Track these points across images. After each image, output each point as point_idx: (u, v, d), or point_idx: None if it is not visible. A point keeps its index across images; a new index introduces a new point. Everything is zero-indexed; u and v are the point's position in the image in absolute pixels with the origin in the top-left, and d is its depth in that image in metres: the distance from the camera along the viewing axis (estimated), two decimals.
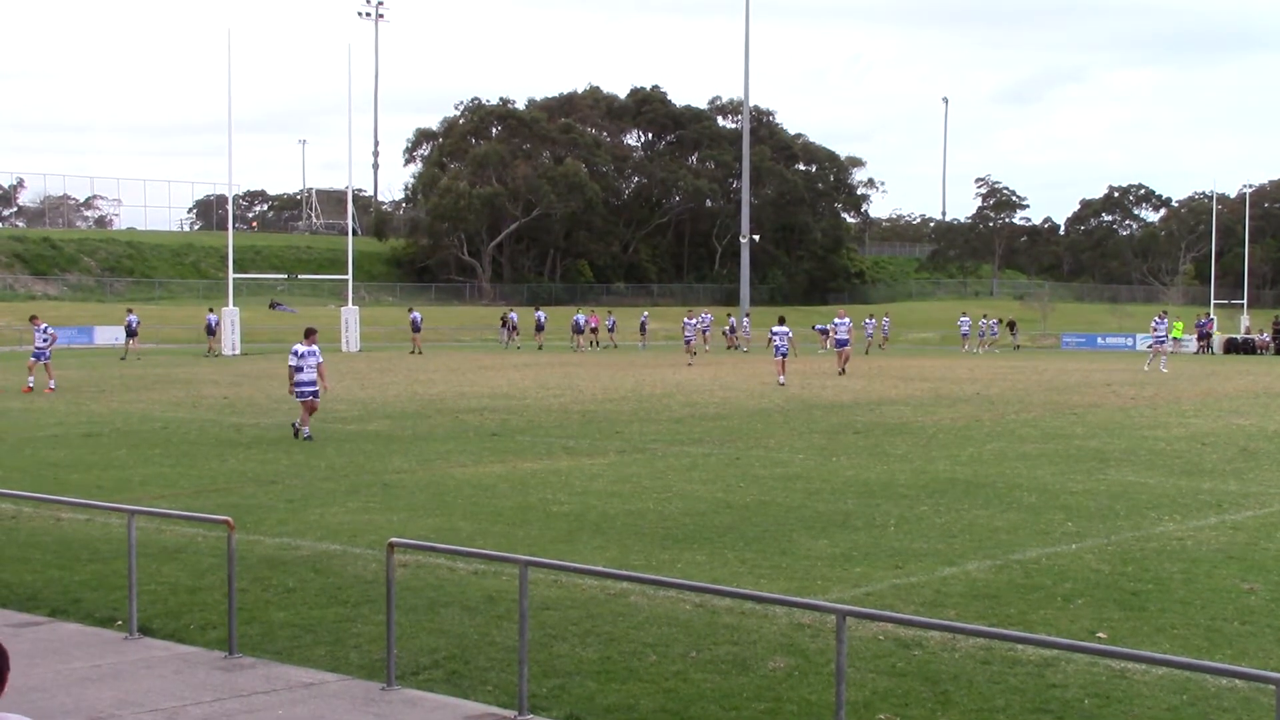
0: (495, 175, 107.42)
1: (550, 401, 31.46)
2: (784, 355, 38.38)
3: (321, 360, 23.52)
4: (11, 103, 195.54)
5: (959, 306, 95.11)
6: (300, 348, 23.30)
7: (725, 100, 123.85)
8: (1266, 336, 70.30)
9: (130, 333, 55.22)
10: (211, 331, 59.54)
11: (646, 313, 78.35)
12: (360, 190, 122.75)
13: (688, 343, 55.90)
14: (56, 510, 15.34)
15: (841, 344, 42.79)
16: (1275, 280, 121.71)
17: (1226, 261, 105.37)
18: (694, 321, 59.25)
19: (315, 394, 23.35)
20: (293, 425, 23.64)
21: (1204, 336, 70.08)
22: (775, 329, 39.70)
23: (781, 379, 37.43)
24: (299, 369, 23.15)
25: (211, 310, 61.89)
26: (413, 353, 60.01)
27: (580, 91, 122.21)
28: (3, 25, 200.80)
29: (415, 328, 63.26)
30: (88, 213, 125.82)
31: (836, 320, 43.53)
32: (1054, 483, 17.99)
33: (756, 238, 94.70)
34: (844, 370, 41.86)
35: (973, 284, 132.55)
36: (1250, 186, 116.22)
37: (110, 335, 65.20)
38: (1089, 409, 30.23)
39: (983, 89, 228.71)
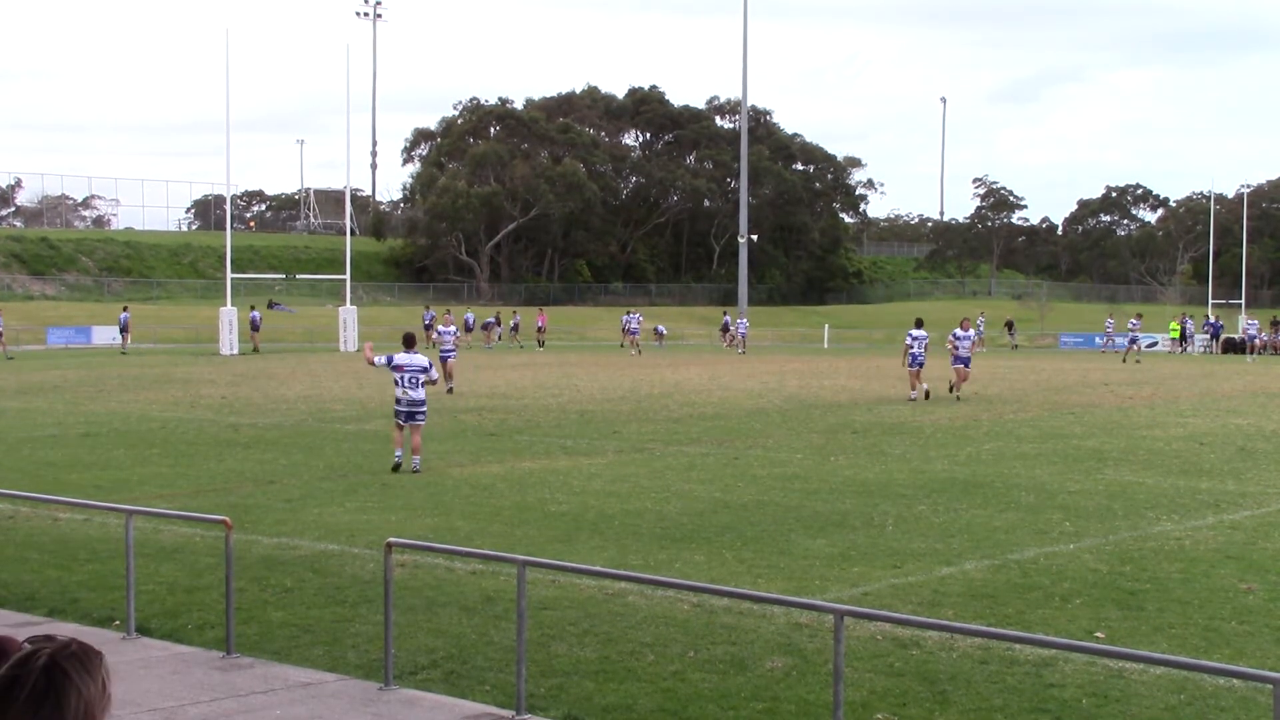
0: (493, 175, 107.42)
1: (548, 401, 31.44)
2: (922, 364, 32.67)
3: (435, 376, 19.59)
4: (10, 103, 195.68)
5: (957, 306, 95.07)
6: (399, 357, 19.30)
7: (723, 100, 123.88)
8: (1266, 336, 70.37)
9: None
10: (124, 329, 60.36)
11: (664, 327, 77.43)
12: (358, 190, 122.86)
13: (633, 335, 63.26)
14: (54, 510, 15.33)
15: (961, 361, 33.41)
16: (1273, 280, 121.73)
17: (1224, 262, 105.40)
18: (634, 318, 66.36)
19: (422, 415, 19.28)
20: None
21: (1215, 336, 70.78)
22: (914, 333, 33.05)
23: (924, 387, 32.36)
24: (397, 383, 19.19)
25: (125, 309, 62.76)
26: (254, 351, 59.60)
27: (578, 91, 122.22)
28: (2, 25, 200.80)
29: (254, 326, 62.57)
30: (85, 213, 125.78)
31: (958, 333, 33.91)
32: (1052, 482, 17.99)
33: (754, 238, 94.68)
34: (958, 394, 33.24)
35: (971, 284, 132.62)
36: (1248, 186, 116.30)
37: (108, 335, 65.21)
38: (1087, 409, 30.24)
39: (981, 89, 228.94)
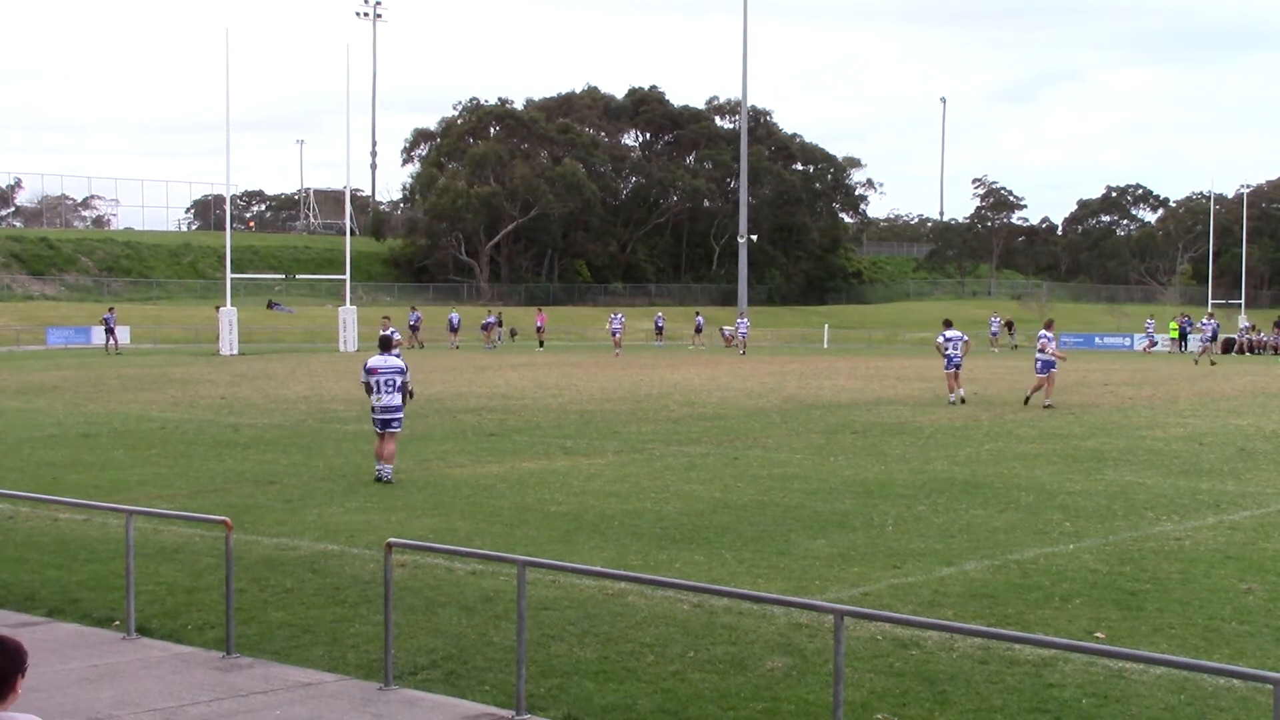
0: (493, 175, 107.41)
1: (548, 401, 31.44)
2: (959, 366, 31.48)
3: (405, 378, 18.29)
4: (10, 103, 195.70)
5: (957, 307, 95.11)
6: (373, 360, 18.39)
7: (723, 100, 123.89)
8: (1265, 336, 70.41)
9: None
10: (110, 329, 60.72)
11: (661, 313, 78.93)
12: (358, 190, 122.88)
13: (615, 335, 62.25)
14: (54, 510, 15.33)
15: (1048, 367, 30.53)
16: (1273, 280, 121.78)
17: (1224, 262, 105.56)
18: (617, 319, 65.17)
19: (398, 423, 18.23)
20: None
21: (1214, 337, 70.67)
22: (947, 334, 31.72)
23: (961, 393, 31.26)
24: (374, 388, 18.17)
25: (111, 310, 63.21)
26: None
27: (578, 91, 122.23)
28: (2, 25, 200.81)
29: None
30: (85, 213, 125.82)
31: (1046, 334, 31.18)
32: (1052, 482, 17.98)
33: (754, 238, 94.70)
34: (1031, 399, 31.01)
35: (970, 284, 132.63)
36: (1248, 186, 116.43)
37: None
38: (1087, 409, 30.23)
39: (980, 89, 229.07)
